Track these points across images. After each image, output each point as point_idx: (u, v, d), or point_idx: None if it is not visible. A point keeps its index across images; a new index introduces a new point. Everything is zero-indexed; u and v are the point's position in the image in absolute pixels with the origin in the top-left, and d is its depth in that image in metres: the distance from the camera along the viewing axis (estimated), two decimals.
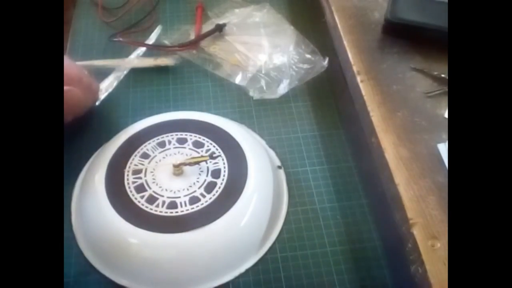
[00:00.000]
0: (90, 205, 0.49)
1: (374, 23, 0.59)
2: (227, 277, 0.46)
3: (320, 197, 0.52)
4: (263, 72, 0.62)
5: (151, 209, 0.47)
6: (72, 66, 0.53)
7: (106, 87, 0.61)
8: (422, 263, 0.39)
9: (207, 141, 0.53)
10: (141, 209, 0.47)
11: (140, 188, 0.49)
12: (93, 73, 0.60)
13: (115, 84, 0.62)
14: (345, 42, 0.57)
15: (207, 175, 0.50)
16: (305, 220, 0.50)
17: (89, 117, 0.57)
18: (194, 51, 0.65)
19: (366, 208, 0.51)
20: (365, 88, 0.52)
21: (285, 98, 0.61)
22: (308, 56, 0.63)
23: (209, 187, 0.49)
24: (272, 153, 0.56)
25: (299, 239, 0.49)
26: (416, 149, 0.47)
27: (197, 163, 0.50)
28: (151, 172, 0.50)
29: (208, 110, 0.59)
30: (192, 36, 0.67)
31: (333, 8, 0.62)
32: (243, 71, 0.62)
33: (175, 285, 0.46)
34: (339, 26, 0.59)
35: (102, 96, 0.60)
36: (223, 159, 0.51)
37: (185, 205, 0.47)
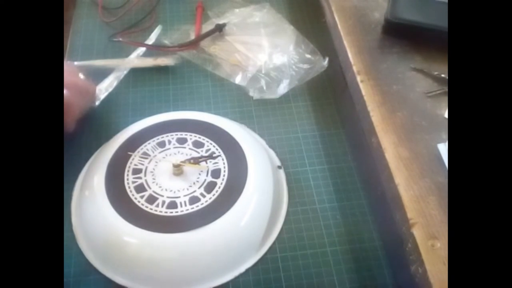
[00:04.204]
0: (90, 205, 0.49)
1: (374, 23, 0.59)
2: (227, 277, 0.46)
3: (320, 197, 0.52)
4: (263, 72, 0.62)
5: (151, 209, 0.47)
6: (66, 73, 0.53)
7: (106, 87, 0.61)
8: (422, 263, 0.39)
9: (207, 141, 0.53)
10: (141, 209, 0.47)
11: (140, 188, 0.49)
12: (93, 73, 0.60)
13: (115, 84, 0.62)
14: (345, 42, 0.57)
15: (207, 175, 0.50)
16: (305, 220, 0.50)
17: (89, 117, 0.57)
18: (194, 51, 0.65)
19: (366, 208, 0.51)
20: (365, 88, 0.52)
21: (285, 98, 0.61)
22: (308, 56, 0.63)
23: (209, 187, 0.49)
24: (272, 153, 0.56)
25: (299, 239, 0.49)
26: (416, 149, 0.47)
27: (197, 163, 0.50)
28: (151, 172, 0.50)
29: (208, 110, 0.59)
30: (192, 36, 0.67)
31: (333, 8, 0.62)
32: (243, 71, 0.62)
33: (175, 285, 0.46)
34: (339, 26, 0.59)
35: (102, 96, 0.60)
36: (223, 159, 0.51)
37: (185, 205, 0.47)
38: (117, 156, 0.51)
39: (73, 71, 0.56)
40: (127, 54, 0.65)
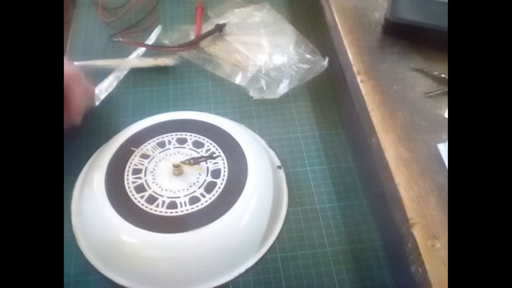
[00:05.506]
0: (90, 205, 0.49)
1: (374, 23, 0.59)
2: (227, 277, 0.46)
3: (320, 197, 0.52)
4: (263, 72, 0.62)
5: (151, 209, 0.47)
6: (70, 67, 0.53)
7: (106, 87, 0.61)
8: (422, 263, 0.39)
9: (207, 141, 0.53)
10: (141, 209, 0.47)
11: (140, 188, 0.49)
12: (93, 73, 0.60)
13: (115, 84, 0.62)
14: (345, 42, 0.57)
15: (207, 175, 0.50)
16: (305, 220, 0.50)
17: (89, 117, 0.57)
18: (194, 51, 0.65)
19: (366, 208, 0.51)
20: (365, 88, 0.52)
21: (285, 98, 0.61)
22: (308, 56, 0.63)
23: (209, 187, 0.49)
24: (272, 153, 0.56)
25: (299, 239, 0.49)
26: (416, 149, 0.47)
27: (197, 163, 0.50)
28: (151, 172, 0.50)
29: (208, 110, 0.59)
30: (192, 36, 0.67)
31: (333, 8, 0.62)
32: (243, 71, 0.62)
33: (175, 285, 0.46)
34: (339, 26, 0.59)
35: (102, 96, 0.60)
36: (223, 159, 0.51)
37: (185, 205, 0.47)
38: (117, 156, 0.51)
39: (75, 67, 0.56)
40: (127, 54, 0.65)
